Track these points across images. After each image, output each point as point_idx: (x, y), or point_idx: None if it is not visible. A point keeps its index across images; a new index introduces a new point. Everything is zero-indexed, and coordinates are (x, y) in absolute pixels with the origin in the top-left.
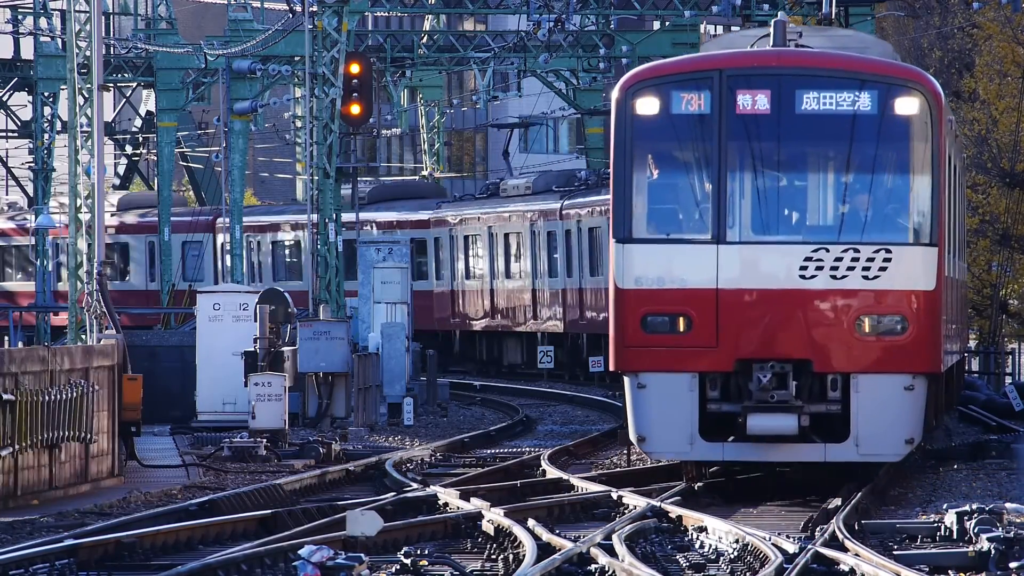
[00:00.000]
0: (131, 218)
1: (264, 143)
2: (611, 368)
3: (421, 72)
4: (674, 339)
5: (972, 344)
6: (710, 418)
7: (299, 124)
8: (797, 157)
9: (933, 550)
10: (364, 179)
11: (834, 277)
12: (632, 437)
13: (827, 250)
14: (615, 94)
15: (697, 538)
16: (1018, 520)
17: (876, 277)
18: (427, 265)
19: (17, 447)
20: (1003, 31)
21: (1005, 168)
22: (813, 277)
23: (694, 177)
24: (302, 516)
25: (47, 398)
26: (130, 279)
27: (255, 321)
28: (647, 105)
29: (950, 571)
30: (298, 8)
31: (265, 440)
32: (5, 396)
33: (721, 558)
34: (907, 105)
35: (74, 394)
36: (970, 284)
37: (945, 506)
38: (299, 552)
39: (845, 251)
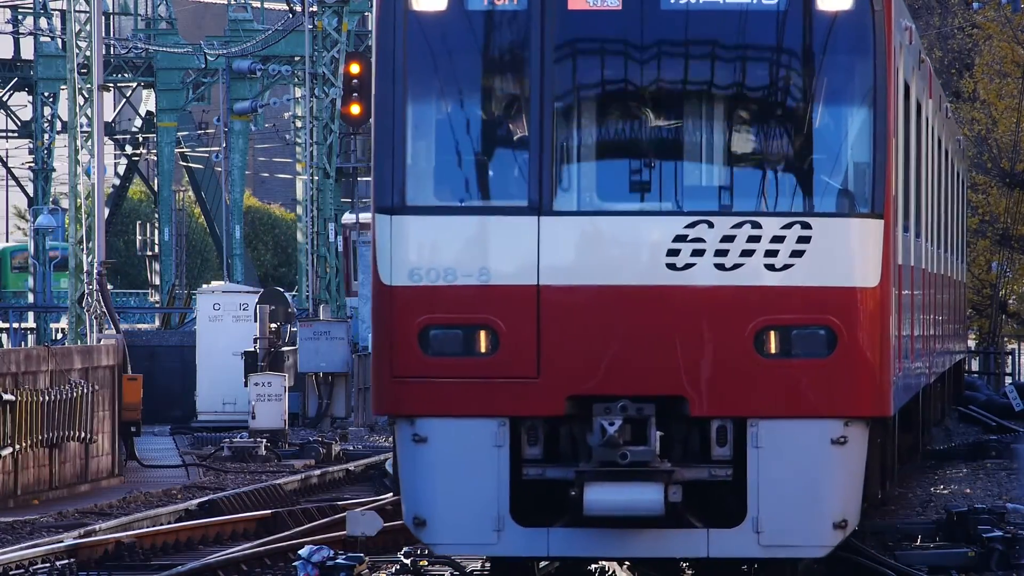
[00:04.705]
0: None
1: (264, 143)
2: (373, 411)
3: None
4: (472, 365)
5: (972, 344)
6: (529, 489)
7: (299, 124)
8: (665, 79)
9: (933, 550)
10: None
11: (722, 267)
12: (406, 519)
13: (710, 224)
14: None
15: None
16: (1018, 520)
17: (787, 267)
18: None
19: (18, 447)
20: (1003, 31)
21: (1005, 168)
22: (689, 267)
23: (503, 110)
24: (302, 516)
25: (47, 398)
26: None
27: (255, 321)
28: None
29: (950, 571)
30: (298, 8)
31: (265, 440)
32: (5, 396)
33: None
34: None
35: (74, 394)
36: (969, 284)
37: (945, 506)
38: (299, 552)
39: (739, 226)
